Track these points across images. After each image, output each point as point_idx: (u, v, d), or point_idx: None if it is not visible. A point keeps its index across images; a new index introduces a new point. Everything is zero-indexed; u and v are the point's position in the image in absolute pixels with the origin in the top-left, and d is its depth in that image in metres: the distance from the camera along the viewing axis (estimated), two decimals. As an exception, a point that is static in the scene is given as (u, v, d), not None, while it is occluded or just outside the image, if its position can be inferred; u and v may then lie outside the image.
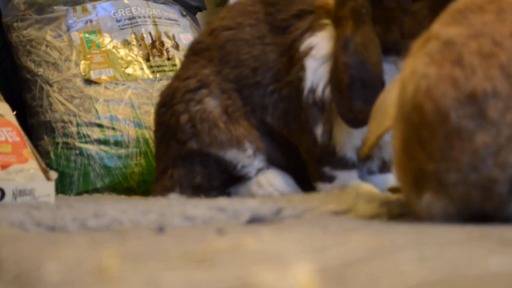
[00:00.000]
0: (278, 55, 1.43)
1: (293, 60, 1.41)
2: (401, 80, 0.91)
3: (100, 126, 1.88)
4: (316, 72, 1.38)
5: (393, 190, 1.23)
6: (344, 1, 1.35)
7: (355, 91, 1.31)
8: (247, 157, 1.44)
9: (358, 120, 1.32)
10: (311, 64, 1.38)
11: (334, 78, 1.34)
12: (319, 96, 1.37)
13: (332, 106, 1.37)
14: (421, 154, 0.86)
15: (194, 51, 1.53)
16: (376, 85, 1.31)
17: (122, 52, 1.98)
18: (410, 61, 0.91)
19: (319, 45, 1.38)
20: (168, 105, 1.50)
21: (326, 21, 1.39)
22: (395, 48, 1.34)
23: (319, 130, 1.39)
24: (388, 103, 0.98)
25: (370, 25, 1.33)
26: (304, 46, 1.39)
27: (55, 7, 2.01)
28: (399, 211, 1.00)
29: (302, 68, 1.39)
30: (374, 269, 0.59)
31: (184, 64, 1.54)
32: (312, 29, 1.40)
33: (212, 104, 1.45)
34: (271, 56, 1.44)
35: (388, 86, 1.03)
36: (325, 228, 0.87)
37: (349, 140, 1.38)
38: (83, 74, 1.92)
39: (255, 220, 1.00)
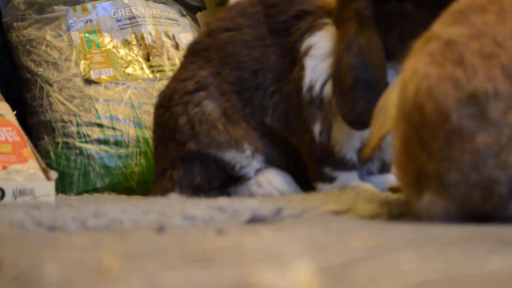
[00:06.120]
0: (279, 56, 1.43)
1: (295, 61, 1.40)
2: (402, 80, 0.91)
3: (100, 126, 1.88)
4: (314, 69, 1.37)
5: (393, 190, 1.23)
6: (347, 2, 1.34)
7: (358, 92, 1.30)
8: (246, 158, 1.44)
9: (361, 122, 1.31)
10: (310, 62, 1.38)
11: (337, 79, 1.33)
12: (316, 93, 1.37)
13: (331, 105, 1.36)
14: (422, 154, 0.86)
15: (193, 52, 1.53)
16: (380, 87, 1.30)
17: (122, 51, 1.98)
18: (411, 61, 0.91)
19: (317, 44, 1.38)
20: (166, 106, 1.50)
21: (326, 20, 1.39)
22: (395, 53, 1.33)
23: (317, 128, 1.38)
24: (390, 104, 0.97)
25: (373, 27, 1.32)
26: (303, 46, 1.39)
27: (55, 7, 2.01)
28: (399, 211, 1.00)
29: (302, 68, 1.38)
30: (374, 269, 0.59)
31: (182, 65, 1.54)
32: (311, 29, 1.40)
33: (210, 106, 1.45)
34: (272, 58, 1.43)
35: (390, 87, 1.03)
36: (325, 228, 0.87)
37: (349, 141, 1.38)
38: (83, 73, 1.92)
39: (255, 220, 0.99)
